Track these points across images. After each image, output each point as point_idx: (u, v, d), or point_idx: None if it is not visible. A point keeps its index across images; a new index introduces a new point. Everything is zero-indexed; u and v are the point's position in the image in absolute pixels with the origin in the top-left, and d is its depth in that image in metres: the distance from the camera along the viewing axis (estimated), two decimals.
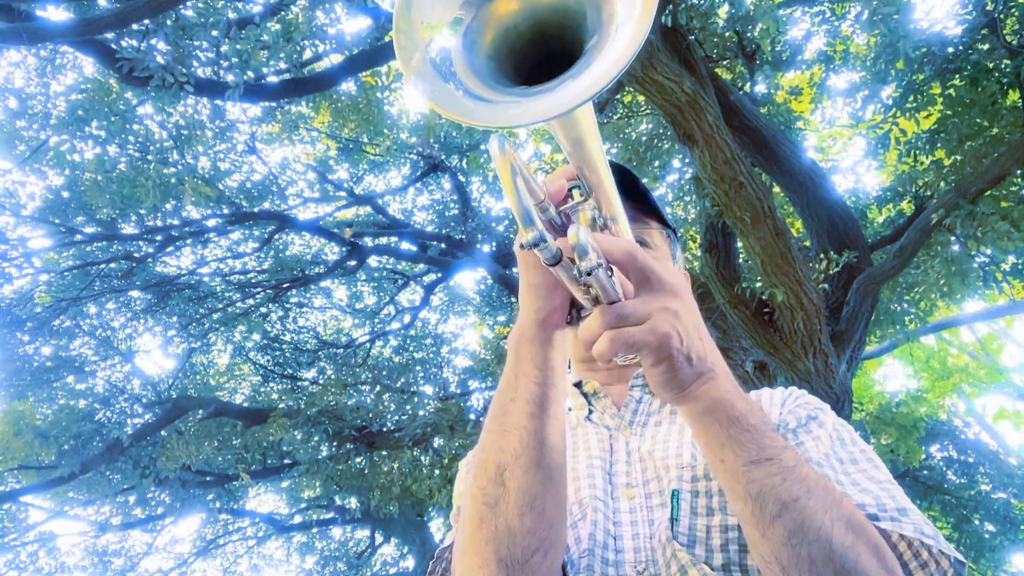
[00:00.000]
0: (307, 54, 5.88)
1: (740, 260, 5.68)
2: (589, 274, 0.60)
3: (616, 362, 0.64)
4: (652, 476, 0.90)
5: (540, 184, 0.65)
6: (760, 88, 6.04)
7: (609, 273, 0.62)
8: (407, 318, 10.21)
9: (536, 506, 0.72)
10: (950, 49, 4.89)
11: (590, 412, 1.03)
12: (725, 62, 5.97)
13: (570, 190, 0.70)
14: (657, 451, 0.92)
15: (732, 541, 0.80)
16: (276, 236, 8.60)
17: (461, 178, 9.04)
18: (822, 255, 4.85)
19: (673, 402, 0.70)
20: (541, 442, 0.73)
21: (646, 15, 0.49)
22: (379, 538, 11.43)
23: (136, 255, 7.86)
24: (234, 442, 8.58)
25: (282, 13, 5.37)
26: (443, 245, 8.90)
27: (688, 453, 0.90)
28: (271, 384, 9.88)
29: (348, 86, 7.09)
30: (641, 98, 6.53)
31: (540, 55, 0.60)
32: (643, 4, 0.50)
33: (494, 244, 8.81)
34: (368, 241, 8.95)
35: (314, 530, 11.55)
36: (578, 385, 1.07)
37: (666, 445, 0.93)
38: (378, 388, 8.87)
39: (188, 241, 8.32)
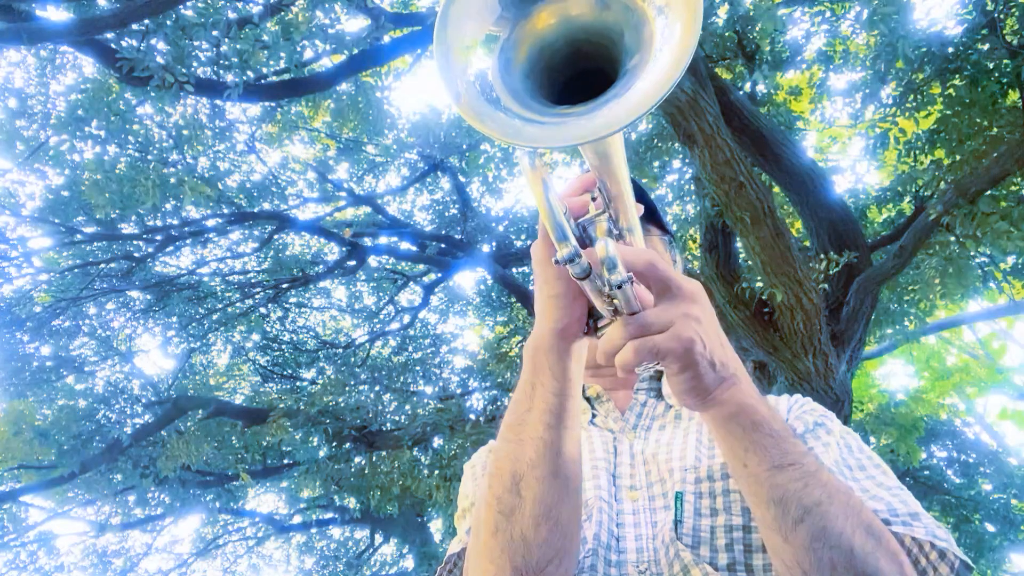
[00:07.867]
0: (307, 54, 5.88)
1: (740, 260, 5.68)
2: (619, 287, 0.60)
3: (636, 371, 0.65)
4: (656, 479, 0.90)
5: (559, 196, 0.65)
6: (760, 88, 6.04)
7: (632, 285, 0.63)
8: (407, 318, 10.20)
9: (552, 516, 0.72)
10: (950, 49, 4.88)
11: (593, 416, 1.04)
12: (725, 62, 5.97)
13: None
14: (661, 454, 0.93)
15: (737, 541, 0.80)
16: (276, 236, 8.59)
17: (461, 178, 9.03)
18: (822, 255, 4.85)
19: (697, 408, 0.70)
20: (557, 453, 0.73)
21: (688, 37, 0.49)
22: (379, 538, 11.43)
23: (136, 255, 7.86)
24: (234, 442, 8.58)
25: (282, 13, 5.37)
26: (443, 245, 8.89)
27: (692, 456, 0.90)
28: (271, 384, 9.87)
29: (348, 86, 7.09)
30: None
31: (572, 72, 0.60)
32: (683, 27, 0.49)
33: (494, 244, 8.80)
34: (368, 241, 8.93)
35: (313, 530, 11.53)
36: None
37: (670, 448, 0.93)
38: (378, 388, 8.86)
39: (188, 241, 8.31)
